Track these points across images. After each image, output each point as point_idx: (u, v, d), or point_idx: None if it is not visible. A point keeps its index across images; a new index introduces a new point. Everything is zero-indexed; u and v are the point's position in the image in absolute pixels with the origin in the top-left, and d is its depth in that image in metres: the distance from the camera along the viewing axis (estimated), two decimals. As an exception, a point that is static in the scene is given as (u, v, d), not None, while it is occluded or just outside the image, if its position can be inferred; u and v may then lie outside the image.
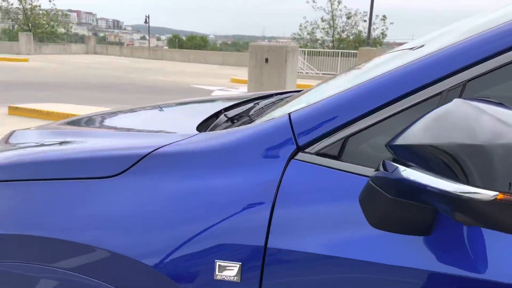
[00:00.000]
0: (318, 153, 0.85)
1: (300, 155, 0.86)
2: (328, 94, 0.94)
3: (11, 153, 1.19)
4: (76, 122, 1.64)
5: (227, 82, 15.03)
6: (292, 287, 0.81)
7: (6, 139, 1.54)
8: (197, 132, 1.09)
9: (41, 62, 20.49)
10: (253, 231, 0.83)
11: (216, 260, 0.83)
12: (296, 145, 0.87)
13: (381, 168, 0.71)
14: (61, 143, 1.21)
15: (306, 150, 0.86)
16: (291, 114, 0.91)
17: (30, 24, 34.29)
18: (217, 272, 0.83)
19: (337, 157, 0.84)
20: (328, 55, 19.76)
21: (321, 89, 1.21)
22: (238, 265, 0.82)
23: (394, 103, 0.83)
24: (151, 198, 0.91)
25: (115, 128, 1.47)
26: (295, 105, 1.04)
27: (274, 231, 0.82)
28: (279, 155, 0.87)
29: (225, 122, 1.28)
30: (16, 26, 37.47)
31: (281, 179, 0.85)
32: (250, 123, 1.22)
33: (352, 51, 19.42)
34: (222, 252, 0.83)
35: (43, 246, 0.95)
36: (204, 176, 0.90)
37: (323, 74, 18.41)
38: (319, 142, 0.86)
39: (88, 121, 1.66)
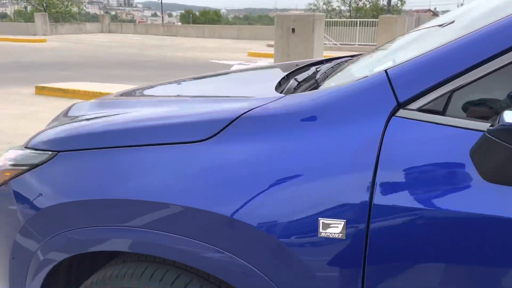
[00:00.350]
0: (420, 109, 0.84)
1: (401, 112, 0.85)
2: (421, 50, 0.91)
3: (90, 122, 1.21)
4: (135, 93, 1.65)
5: (244, 56, 14.90)
6: (399, 241, 0.82)
7: (66, 112, 1.56)
8: (282, 95, 1.09)
9: (59, 42, 20.59)
10: (357, 189, 0.83)
11: (319, 218, 0.84)
12: (397, 102, 0.85)
13: (501, 121, 0.69)
14: (138, 111, 1.22)
15: (408, 107, 0.85)
16: (388, 71, 0.89)
17: (44, 4, 34.27)
18: (321, 230, 0.84)
19: (441, 113, 0.83)
20: (346, 25, 19.26)
21: (404, 46, 1.19)
22: (342, 223, 0.83)
23: (502, 55, 0.80)
24: (246, 160, 0.91)
25: (185, 96, 1.48)
26: (381, 64, 1.02)
27: (379, 188, 0.82)
28: (379, 112, 0.86)
29: (295, 86, 1.27)
30: (29, 7, 37.50)
31: (383, 136, 0.84)
32: (317, 87, 1.21)
33: (371, 20, 18.89)
34: (326, 210, 0.84)
35: (138, 209, 0.98)
36: (301, 136, 0.90)
37: (341, 44, 18.03)
38: (422, 98, 0.84)
39: (148, 91, 1.66)
